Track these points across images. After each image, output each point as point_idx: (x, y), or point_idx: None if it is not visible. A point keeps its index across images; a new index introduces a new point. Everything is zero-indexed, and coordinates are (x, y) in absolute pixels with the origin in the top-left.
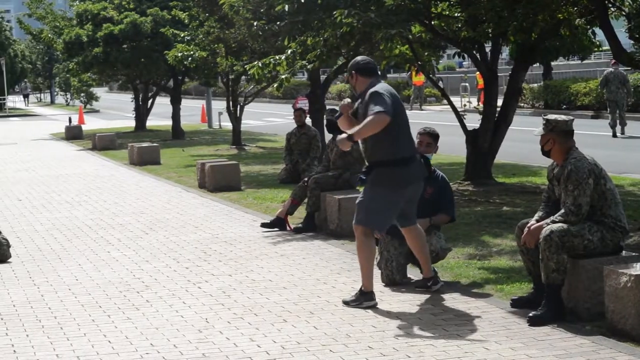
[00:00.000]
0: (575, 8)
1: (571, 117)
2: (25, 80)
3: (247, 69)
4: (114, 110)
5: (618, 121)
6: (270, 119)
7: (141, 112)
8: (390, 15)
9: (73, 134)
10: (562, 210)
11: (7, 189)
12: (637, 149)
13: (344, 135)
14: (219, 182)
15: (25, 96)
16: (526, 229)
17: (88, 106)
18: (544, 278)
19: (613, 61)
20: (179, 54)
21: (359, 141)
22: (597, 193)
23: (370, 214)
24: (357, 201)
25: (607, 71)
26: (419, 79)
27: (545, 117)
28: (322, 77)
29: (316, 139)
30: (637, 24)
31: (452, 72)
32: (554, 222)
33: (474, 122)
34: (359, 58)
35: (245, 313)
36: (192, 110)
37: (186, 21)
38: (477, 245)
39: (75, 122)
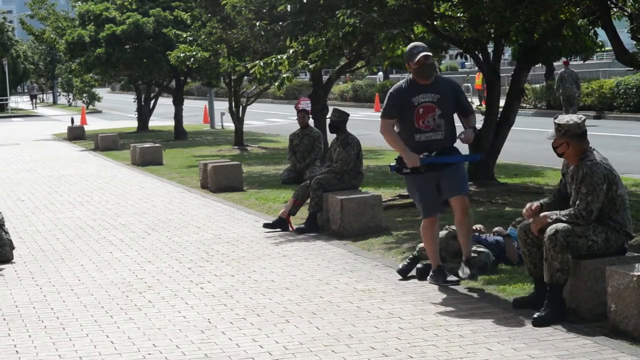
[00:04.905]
0: (578, 8)
1: (583, 117)
2: (32, 80)
3: (249, 67)
4: (116, 110)
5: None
6: (273, 119)
7: (143, 113)
8: (392, 16)
9: (75, 134)
10: (572, 211)
11: (9, 190)
12: (638, 150)
13: (471, 131)
14: (221, 182)
15: (33, 97)
16: (526, 209)
17: (90, 107)
18: (547, 278)
19: (564, 61)
20: (182, 55)
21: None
22: (607, 198)
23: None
24: (461, 174)
25: (561, 71)
26: None
27: (556, 121)
28: (325, 78)
29: (319, 141)
30: (639, 25)
31: (455, 72)
32: (559, 220)
33: (476, 122)
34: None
35: (248, 313)
36: (194, 110)
37: (188, 22)
38: None
39: (77, 122)
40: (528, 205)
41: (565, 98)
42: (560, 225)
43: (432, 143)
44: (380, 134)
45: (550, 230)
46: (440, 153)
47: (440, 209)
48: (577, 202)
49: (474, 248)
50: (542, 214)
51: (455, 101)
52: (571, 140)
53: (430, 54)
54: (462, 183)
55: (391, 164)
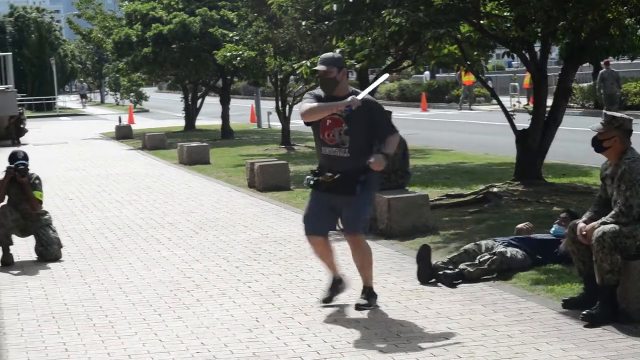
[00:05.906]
0: (625, 7)
1: (631, 117)
2: (82, 79)
3: (296, 68)
4: (163, 110)
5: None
6: None
7: (190, 112)
8: (439, 15)
9: (123, 133)
10: (613, 211)
11: (57, 188)
12: None
13: (381, 157)
14: (268, 181)
15: (83, 96)
16: (578, 230)
17: (138, 106)
18: (598, 280)
19: (605, 61)
20: (228, 54)
21: (345, 148)
22: None
23: (366, 220)
24: (357, 210)
25: (602, 71)
26: (468, 78)
27: (609, 113)
28: (371, 77)
29: None
30: None
31: (502, 72)
32: (605, 223)
33: (523, 122)
34: (337, 54)
35: (296, 312)
36: (241, 110)
37: (235, 21)
38: None
39: (125, 121)
40: (578, 233)
41: (606, 97)
42: (606, 227)
43: (335, 159)
44: (304, 116)
45: (597, 232)
46: (338, 177)
47: (321, 232)
48: (617, 200)
49: (500, 249)
50: (588, 225)
51: (369, 122)
52: (621, 135)
53: (325, 69)
54: (355, 220)
55: (308, 176)
